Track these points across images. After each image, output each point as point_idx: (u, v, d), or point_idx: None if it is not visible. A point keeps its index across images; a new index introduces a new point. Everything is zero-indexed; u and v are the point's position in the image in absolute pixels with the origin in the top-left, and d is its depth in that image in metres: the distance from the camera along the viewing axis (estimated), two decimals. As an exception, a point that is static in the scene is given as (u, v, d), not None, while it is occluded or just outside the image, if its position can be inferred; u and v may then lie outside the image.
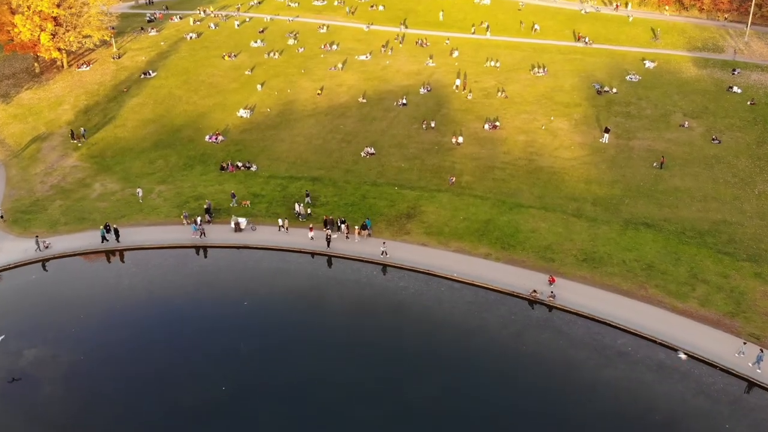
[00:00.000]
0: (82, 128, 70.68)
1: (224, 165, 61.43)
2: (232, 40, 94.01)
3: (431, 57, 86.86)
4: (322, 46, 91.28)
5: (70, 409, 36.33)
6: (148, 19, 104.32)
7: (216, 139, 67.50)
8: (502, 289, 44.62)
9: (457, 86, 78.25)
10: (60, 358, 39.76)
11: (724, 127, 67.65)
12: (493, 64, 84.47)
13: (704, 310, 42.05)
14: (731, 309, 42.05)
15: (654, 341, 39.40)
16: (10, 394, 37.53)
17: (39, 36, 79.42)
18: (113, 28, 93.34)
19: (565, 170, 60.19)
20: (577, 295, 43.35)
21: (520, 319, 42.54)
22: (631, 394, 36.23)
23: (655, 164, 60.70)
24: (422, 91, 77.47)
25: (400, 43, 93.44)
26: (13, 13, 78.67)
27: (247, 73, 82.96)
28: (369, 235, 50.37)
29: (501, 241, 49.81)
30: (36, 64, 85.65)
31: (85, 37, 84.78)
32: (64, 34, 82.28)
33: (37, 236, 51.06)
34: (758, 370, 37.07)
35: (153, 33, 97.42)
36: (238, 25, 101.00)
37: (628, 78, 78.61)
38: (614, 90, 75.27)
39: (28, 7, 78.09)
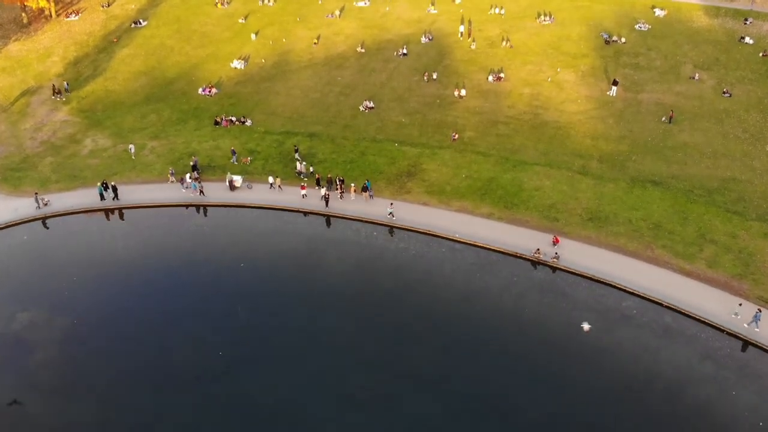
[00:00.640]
0: (65, 82, 68.15)
1: (218, 119, 59.48)
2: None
3: (433, 4, 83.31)
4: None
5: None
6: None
7: (209, 91, 65.25)
8: (505, 250, 43.57)
9: (461, 33, 75.26)
10: (71, 321, 39.22)
11: (735, 79, 65.27)
12: (497, 11, 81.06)
13: (712, 271, 41.10)
14: (739, 271, 41.10)
15: (660, 304, 38.58)
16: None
17: (25, -16, 76.19)
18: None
19: (571, 125, 58.28)
20: (581, 255, 42.34)
21: (522, 281, 41.67)
22: (635, 359, 35.63)
23: (663, 119, 58.75)
24: (423, 40, 74.55)
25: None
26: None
27: (240, 21, 79.75)
28: (371, 197, 48.82)
29: (504, 200, 48.47)
30: (24, 14, 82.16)
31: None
32: (49, -20, 78.83)
33: (36, 193, 49.75)
34: (756, 329, 36.44)
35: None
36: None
37: (637, 27, 75.50)
38: (623, 40, 72.39)
39: (12, -47, 74.50)
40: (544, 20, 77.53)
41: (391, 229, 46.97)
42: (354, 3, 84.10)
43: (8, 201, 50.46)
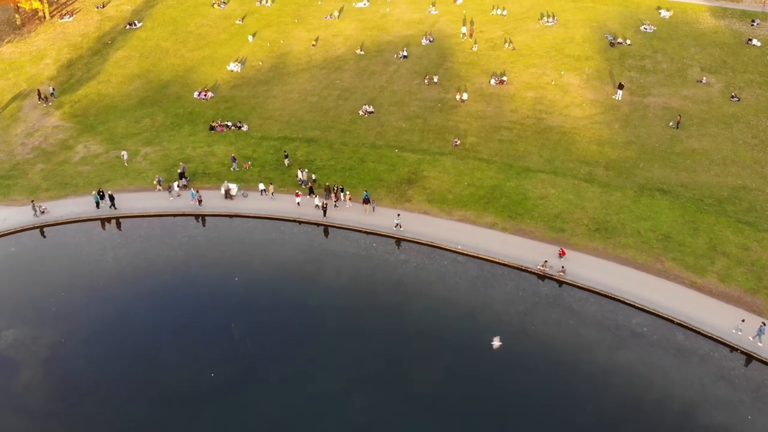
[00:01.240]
0: (50, 87, 66.44)
1: (213, 125, 57.91)
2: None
3: (433, 4, 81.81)
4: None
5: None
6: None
7: (205, 95, 63.67)
8: (509, 263, 42.04)
9: (464, 34, 73.75)
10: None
11: (743, 83, 63.71)
12: (499, 12, 79.53)
13: (724, 286, 39.59)
14: (752, 285, 39.60)
15: (671, 321, 37.07)
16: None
17: (18, -16, 74.68)
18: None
19: (576, 130, 56.74)
20: (589, 269, 40.82)
21: (528, 296, 40.08)
22: (646, 379, 34.12)
23: (671, 123, 57.20)
24: (424, 42, 73.01)
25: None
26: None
27: (237, 22, 78.19)
28: (374, 209, 47.09)
29: (508, 209, 46.93)
30: (17, 15, 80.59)
31: (65, -16, 79.68)
32: (42, -19, 77.28)
33: (33, 201, 48.30)
34: (759, 344, 35.10)
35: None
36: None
37: (642, 28, 73.97)
38: (628, 41, 70.82)
39: (4, -47, 72.95)
40: (548, 22, 75.97)
41: (391, 239, 45.41)
42: (353, 4, 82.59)
43: (-2, 210, 48.94)
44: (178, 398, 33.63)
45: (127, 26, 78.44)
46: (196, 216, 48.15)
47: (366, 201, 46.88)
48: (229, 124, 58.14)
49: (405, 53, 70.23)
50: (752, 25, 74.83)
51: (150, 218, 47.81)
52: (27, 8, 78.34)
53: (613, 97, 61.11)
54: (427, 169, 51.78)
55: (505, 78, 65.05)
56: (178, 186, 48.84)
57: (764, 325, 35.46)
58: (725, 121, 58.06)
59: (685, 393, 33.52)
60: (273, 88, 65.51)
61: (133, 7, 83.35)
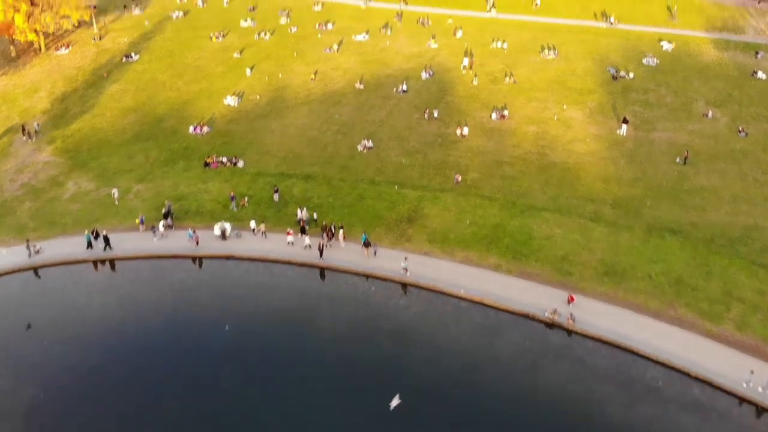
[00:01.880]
0: (35, 123, 64.97)
1: (208, 161, 56.37)
2: (221, 19, 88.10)
3: (433, 37, 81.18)
4: (317, 26, 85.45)
5: None
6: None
7: (201, 130, 62.32)
8: (515, 309, 40.01)
9: (465, 66, 72.86)
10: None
11: (750, 117, 62.59)
12: (499, 45, 78.83)
13: (741, 334, 37.57)
14: (771, 333, 37.62)
15: (688, 375, 34.97)
16: None
17: (13, 17, 73.87)
18: (94, 6, 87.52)
19: (581, 166, 55.26)
20: (599, 316, 38.80)
21: (535, 347, 37.92)
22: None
23: (678, 159, 55.74)
24: (424, 75, 72.05)
25: (399, 20, 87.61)
26: (-17, -7, 72.92)
27: (235, 55, 77.36)
28: (375, 253, 45.07)
29: (512, 250, 45.09)
30: (12, 48, 79.90)
31: (62, 17, 79.02)
32: (40, 14, 76.60)
33: (27, 240, 46.46)
34: None
35: (137, 12, 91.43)
36: (227, 3, 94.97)
37: (645, 61, 73.19)
38: (631, 75, 69.88)
39: (1, -14, 72.33)
40: (548, 54, 75.17)
41: (390, 283, 43.45)
42: (353, 37, 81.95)
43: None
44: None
45: (124, 59, 77.59)
46: (193, 258, 46.22)
47: (366, 244, 44.87)
48: (224, 159, 56.64)
49: (405, 87, 69.19)
50: (756, 57, 74.08)
51: (142, 260, 45.87)
52: (22, 40, 77.62)
53: (618, 132, 59.81)
54: (427, 207, 50.10)
55: (506, 112, 63.85)
56: (163, 226, 46.99)
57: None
58: (733, 156, 56.67)
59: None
60: (270, 123, 64.23)
61: (131, 40, 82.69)
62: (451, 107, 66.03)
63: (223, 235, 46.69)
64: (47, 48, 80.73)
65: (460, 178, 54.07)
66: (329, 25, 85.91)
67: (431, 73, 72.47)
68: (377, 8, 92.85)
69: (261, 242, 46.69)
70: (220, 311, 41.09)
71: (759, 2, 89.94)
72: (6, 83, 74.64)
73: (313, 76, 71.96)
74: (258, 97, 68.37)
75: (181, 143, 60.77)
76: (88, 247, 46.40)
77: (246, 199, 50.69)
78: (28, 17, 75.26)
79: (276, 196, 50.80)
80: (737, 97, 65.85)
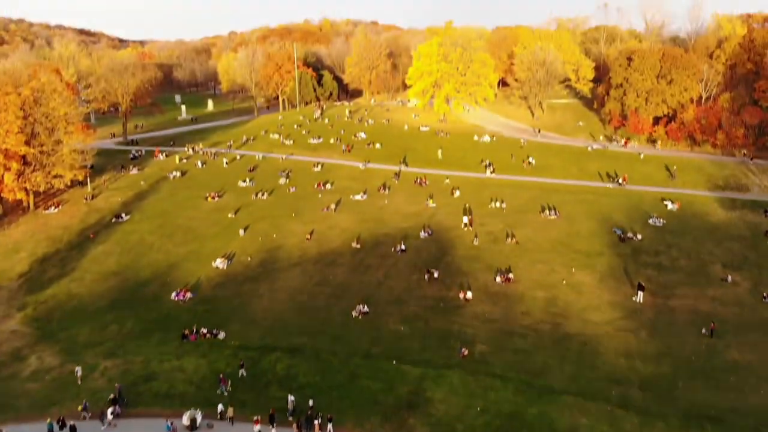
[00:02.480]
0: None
1: (186, 333, 51.14)
2: (219, 180, 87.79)
3: (431, 197, 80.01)
4: (316, 186, 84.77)
5: None
6: (132, 156, 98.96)
7: (183, 296, 57.83)
8: None
9: (465, 224, 70.41)
10: None
11: (772, 281, 58.62)
12: (498, 204, 77.30)
13: None
14: None
15: None
16: None
17: (2, 175, 72.77)
18: (91, 166, 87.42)
19: (599, 339, 50.06)
20: None
21: None
22: None
23: (704, 331, 50.69)
24: (423, 234, 69.33)
25: (397, 179, 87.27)
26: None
27: (230, 215, 75.25)
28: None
29: (532, 447, 38.44)
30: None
31: (55, 177, 78.17)
32: (31, 173, 75.68)
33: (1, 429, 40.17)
34: None
35: (134, 171, 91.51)
36: (227, 163, 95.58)
37: (651, 221, 70.92)
38: (639, 236, 67.07)
39: (-7, 144, 71.92)
40: (549, 215, 73.13)
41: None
42: (351, 197, 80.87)
43: None
44: None
45: (114, 219, 75.41)
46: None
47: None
48: (205, 331, 51.44)
49: (403, 246, 66.11)
50: (766, 216, 71.88)
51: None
52: (10, 198, 75.90)
53: (633, 298, 55.39)
54: (431, 388, 44.02)
55: (511, 275, 60.01)
56: (112, 414, 40.50)
57: None
58: (763, 326, 51.83)
59: None
60: (260, 286, 60.04)
61: (124, 199, 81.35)
62: (451, 268, 62.35)
63: (193, 425, 40.15)
64: (36, 206, 79.01)
65: (466, 352, 48.64)
66: (328, 185, 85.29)
67: (430, 232, 69.86)
68: (376, 169, 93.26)
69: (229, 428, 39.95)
70: None
71: (752, 159, 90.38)
72: (-13, 243, 71.62)
73: (308, 235, 69.21)
74: (249, 258, 64.87)
75: (160, 311, 55.97)
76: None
77: (229, 381, 44.56)
78: (18, 176, 74.20)
79: (242, 372, 44.80)
80: (754, 259, 62.43)
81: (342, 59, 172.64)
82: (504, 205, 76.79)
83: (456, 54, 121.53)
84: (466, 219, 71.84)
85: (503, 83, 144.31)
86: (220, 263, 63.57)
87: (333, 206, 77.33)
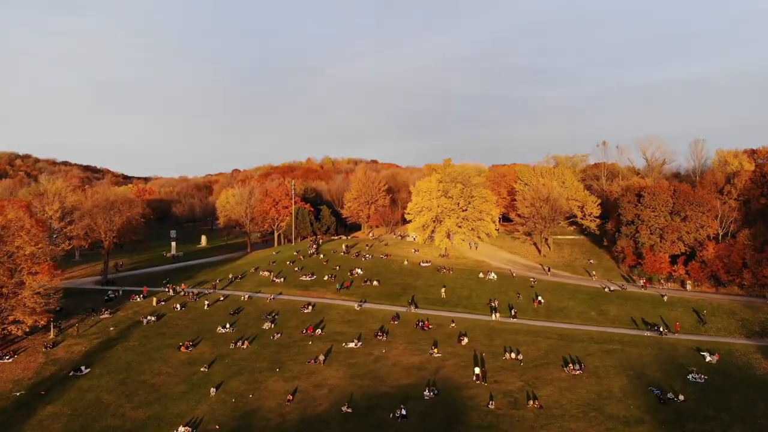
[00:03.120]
0: None
1: None
2: (197, 325, 78.87)
3: (435, 344, 70.60)
4: (304, 331, 75.65)
5: None
6: (106, 298, 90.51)
7: (133, 479, 46.83)
8: None
9: (477, 375, 60.78)
10: None
11: None
12: (513, 355, 67.72)
13: None
14: None
15: None
16: None
17: (-49, 325, 64.22)
18: (60, 308, 78.75)
19: None
20: None
21: None
22: None
23: None
24: (427, 394, 59.08)
25: (396, 321, 78.29)
26: None
27: (203, 369, 65.40)
28: None
29: None
30: (-54, 355, 68.71)
31: (13, 323, 69.38)
32: (-15, 319, 67.18)
33: None
34: None
35: (106, 315, 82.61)
36: (208, 305, 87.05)
37: (690, 377, 61.03)
38: (680, 396, 56.88)
39: (-57, 291, 64.04)
40: (574, 369, 63.25)
41: None
42: (343, 344, 71.52)
43: None
44: None
45: (72, 372, 65.46)
46: None
47: None
48: None
49: (403, 411, 55.60)
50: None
51: None
52: (-44, 350, 66.73)
53: (691, 484, 44.44)
54: None
55: (535, 450, 49.20)
56: None
57: None
58: None
59: None
60: (228, 465, 49.10)
61: (88, 348, 71.88)
62: (463, 442, 51.64)
63: None
64: (-12, 356, 69.35)
65: None
66: (317, 331, 76.21)
67: (436, 390, 59.64)
68: (373, 309, 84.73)
69: None
70: None
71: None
72: None
73: (290, 396, 58.95)
74: (217, 427, 54.15)
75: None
76: None
77: None
78: (-29, 324, 65.62)
79: None
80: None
81: (341, 194, 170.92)
82: (520, 357, 67.20)
83: (456, 190, 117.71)
84: (477, 370, 62.27)
85: (505, 218, 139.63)
86: (183, 432, 52.98)
87: (322, 357, 67.67)
